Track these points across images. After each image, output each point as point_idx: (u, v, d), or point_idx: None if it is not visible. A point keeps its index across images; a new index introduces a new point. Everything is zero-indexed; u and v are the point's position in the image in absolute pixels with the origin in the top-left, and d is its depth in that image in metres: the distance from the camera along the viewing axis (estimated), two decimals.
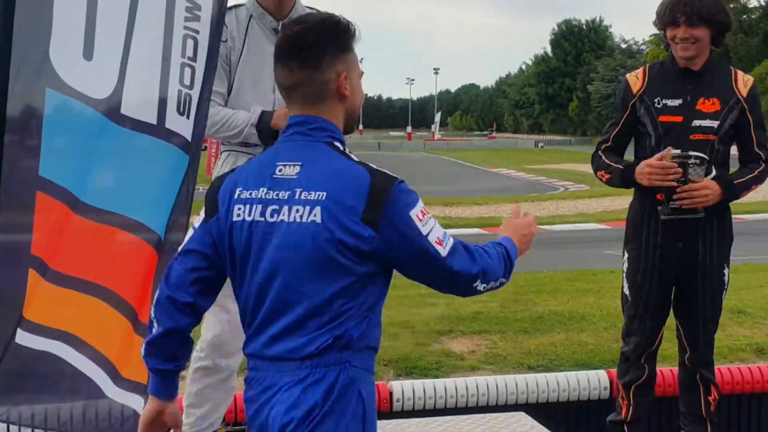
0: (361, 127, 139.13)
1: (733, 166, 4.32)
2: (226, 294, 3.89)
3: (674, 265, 4.19)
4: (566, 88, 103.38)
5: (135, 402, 3.27)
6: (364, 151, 70.02)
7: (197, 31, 3.48)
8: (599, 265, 12.23)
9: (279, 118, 3.88)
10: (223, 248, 2.53)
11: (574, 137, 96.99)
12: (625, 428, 4.37)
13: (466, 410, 4.74)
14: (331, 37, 2.51)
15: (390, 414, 5.01)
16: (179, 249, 2.63)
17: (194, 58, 3.47)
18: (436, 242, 2.45)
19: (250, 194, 2.49)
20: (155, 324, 2.56)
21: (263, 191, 2.48)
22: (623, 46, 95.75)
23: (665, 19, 4.18)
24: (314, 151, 2.49)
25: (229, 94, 3.99)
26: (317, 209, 2.41)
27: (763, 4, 76.00)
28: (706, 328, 4.28)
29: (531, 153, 68.31)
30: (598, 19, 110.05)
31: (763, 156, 4.26)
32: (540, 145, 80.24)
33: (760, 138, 4.26)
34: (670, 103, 4.17)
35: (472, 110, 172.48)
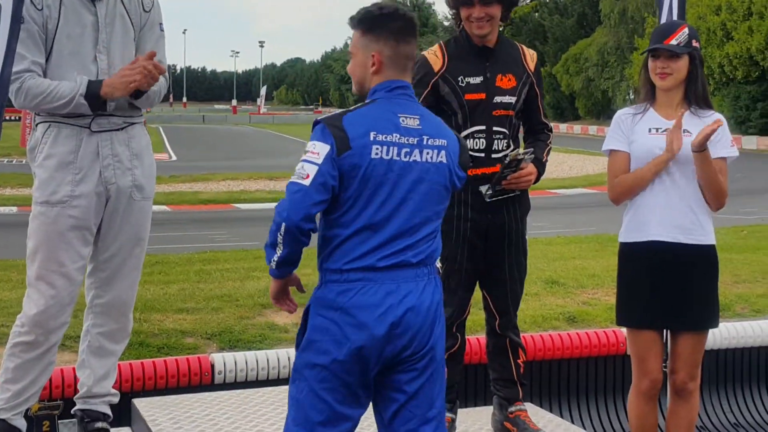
0: (184, 99, 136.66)
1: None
2: (53, 270, 3.82)
3: (483, 235, 4.33)
4: None
5: None
6: (187, 124, 68.76)
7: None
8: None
9: (112, 87, 3.77)
10: (352, 179, 3.05)
11: None
12: None
13: (288, 381, 4.75)
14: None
15: (211, 387, 4.98)
16: (301, 181, 3.03)
17: None
18: None
19: (385, 137, 3.08)
20: (281, 246, 3.04)
21: (396, 136, 3.10)
22: (446, 23, 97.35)
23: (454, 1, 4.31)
24: (421, 109, 3.23)
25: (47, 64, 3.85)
26: (443, 152, 3.18)
27: None
28: (514, 293, 4.43)
29: None
30: None
31: (548, 123, 4.54)
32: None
33: (544, 108, 4.53)
34: (472, 81, 4.27)
35: (297, 84, 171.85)
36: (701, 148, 4.07)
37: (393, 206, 3.10)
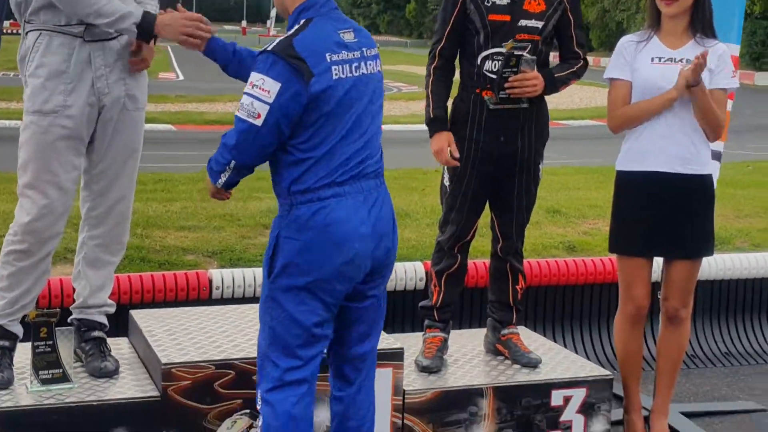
0: None
1: None
2: (46, 180, 3.83)
3: (494, 158, 4.31)
4: None
5: None
6: None
7: None
8: (429, 164, 12.49)
9: (165, 28, 3.74)
10: (320, 103, 3.10)
11: (411, 39, 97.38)
12: (435, 313, 4.55)
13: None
14: None
15: (209, 302, 5.04)
16: (252, 120, 3.08)
17: None
18: None
19: (338, 57, 3.15)
20: (228, 173, 3.19)
21: (345, 54, 3.18)
22: None
23: None
24: (349, 20, 3.32)
25: None
26: (377, 61, 3.34)
27: None
28: (520, 219, 4.44)
29: None
30: None
31: (581, 54, 4.43)
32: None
33: (579, 38, 4.42)
34: (498, 2, 4.23)
35: None
36: (695, 81, 4.05)
37: (353, 121, 3.20)
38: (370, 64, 3.28)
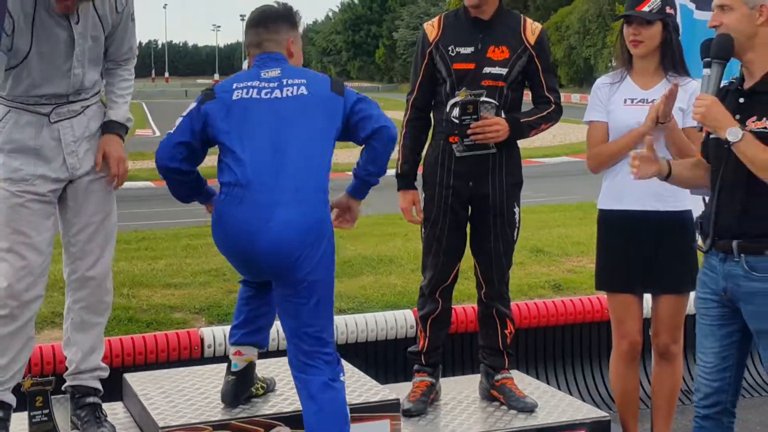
0: (167, 74, 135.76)
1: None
2: (21, 242, 3.83)
3: (466, 204, 4.39)
4: (372, 35, 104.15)
5: None
6: (169, 99, 68.40)
7: None
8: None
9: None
10: (217, 122, 3.65)
11: (382, 84, 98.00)
12: (423, 357, 4.57)
13: (278, 353, 4.81)
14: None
15: (201, 360, 5.03)
16: (170, 130, 3.75)
17: None
18: None
19: (246, 84, 3.70)
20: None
21: (257, 82, 3.70)
22: None
23: None
24: (286, 67, 3.77)
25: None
26: (302, 87, 3.69)
27: None
28: (499, 264, 4.48)
29: None
30: None
31: (552, 99, 4.49)
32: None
33: (549, 82, 4.48)
34: (462, 50, 4.33)
35: None
36: (664, 118, 4.12)
37: (265, 143, 3.61)
38: (288, 90, 3.67)
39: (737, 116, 3.45)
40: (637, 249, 4.30)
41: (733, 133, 3.35)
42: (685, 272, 4.32)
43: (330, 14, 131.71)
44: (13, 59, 3.80)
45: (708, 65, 3.49)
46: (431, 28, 4.45)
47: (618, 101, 4.34)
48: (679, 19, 4.55)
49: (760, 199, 3.41)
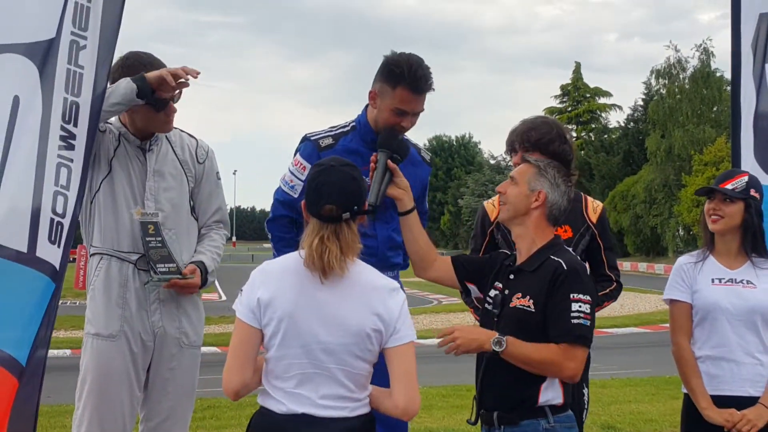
0: (234, 238, 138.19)
1: None
2: (105, 408, 3.83)
3: None
4: (438, 201, 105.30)
5: None
6: (237, 264, 69.36)
7: (71, 160, 3.48)
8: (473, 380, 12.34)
9: (155, 79, 3.89)
10: None
11: (446, 249, 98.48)
12: None
13: None
14: None
15: None
16: None
17: (67, 187, 3.47)
18: None
19: None
20: None
21: None
22: (492, 162, 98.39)
23: (507, 147, 4.42)
24: None
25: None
26: None
27: (622, 125, 79.83)
28: None
29: None
30: (467, 136, 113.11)
31: (613, 277, 4.47)
32: None
33: (610, 260, 4.47)
34: None
35: None
36: None
37: None
38: None
39: (506, 291, 3.62)
40: None
41: (495, 342, 3.51)
42: None
43: None
44: None
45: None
46: (492, 207, 4.47)
47: (705, 281, 4.28)
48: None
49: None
